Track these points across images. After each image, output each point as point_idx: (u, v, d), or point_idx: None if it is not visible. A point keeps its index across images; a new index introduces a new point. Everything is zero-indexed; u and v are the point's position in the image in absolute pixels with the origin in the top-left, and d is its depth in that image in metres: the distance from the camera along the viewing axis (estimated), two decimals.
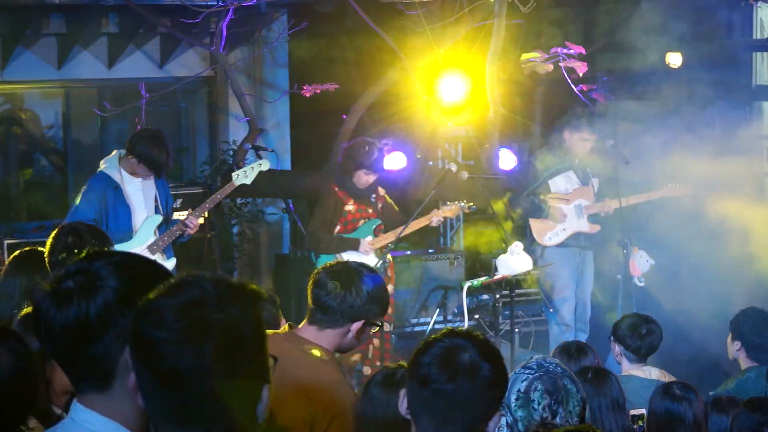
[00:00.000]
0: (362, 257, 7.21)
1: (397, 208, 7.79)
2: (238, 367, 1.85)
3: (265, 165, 7.30)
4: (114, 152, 6.86)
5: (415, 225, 7.48)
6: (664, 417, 4.28)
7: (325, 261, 3.63)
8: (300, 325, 3.59)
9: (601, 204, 7.91)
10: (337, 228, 7.43)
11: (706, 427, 4.30)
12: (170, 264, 6.80)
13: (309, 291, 3.54)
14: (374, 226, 7.50)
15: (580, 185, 8.00)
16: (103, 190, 6.62)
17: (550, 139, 8.18)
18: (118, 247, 5.97)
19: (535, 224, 8.00)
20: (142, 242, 6.76)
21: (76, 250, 4.59)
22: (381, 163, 7.42)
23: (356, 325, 3.49)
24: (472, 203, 7.77)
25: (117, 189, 6.67)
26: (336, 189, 7.48)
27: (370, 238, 7.44)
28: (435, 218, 7.56)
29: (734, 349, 5.55)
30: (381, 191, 7.63)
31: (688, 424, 4.23)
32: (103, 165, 6.77)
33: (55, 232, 4.83)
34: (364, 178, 7.36)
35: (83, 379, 2.07)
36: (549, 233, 7.94)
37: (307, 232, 7.69)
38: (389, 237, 7.43)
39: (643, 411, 4.36)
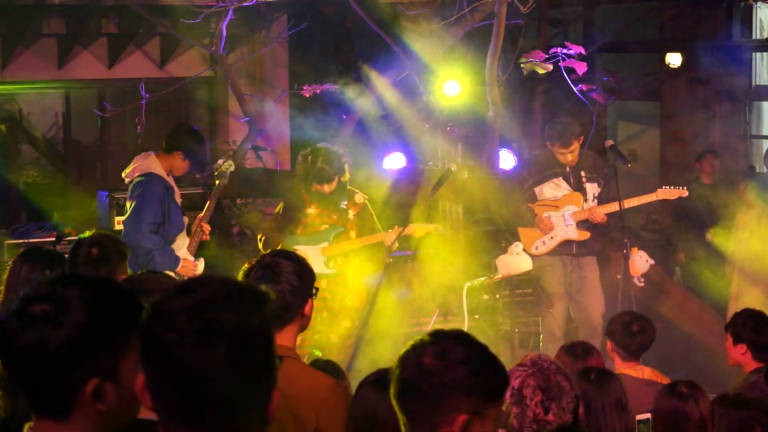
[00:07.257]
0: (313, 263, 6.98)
1: (376, 220, 7.45)
2: (249, 368, 1.83)
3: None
4: (149, 153, 6.88)
5: (369, 240, 7.24)
6: (670, 416, 4.26)
7: None
8: None
9: (589, 210, 7.68)
10: (298, 230, 7.30)
11: (712, 425, 4.28)
12: (201, 265, 7.06)
13: None
14: (334, 234, 7.28)
15: (571, 191, 7.77)
16: (163, 192, 6.73)
17: (540, 146, 8.05)
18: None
19: (523, 233, 7.87)
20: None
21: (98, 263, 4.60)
22: (330, 172, 7.10)
23: (308, 305, 3.43)
24: (441, 227, 7.60)
25: (169, 189, 6.80)
26: (303, 191, 7.32)
27: (325, 244, 7.28)
28: (388, 237, 7.18)
29: (739, 353, 5.46)
30: (359, 198, 7.35)
31: (695, 422, 4.21)
32: (150, 167, 6.77)
33: (77, 241, 4.80)
34: (319, 187, 7.17)
35: (39, 405, 2.03)
36: (537, 242, 7.81)
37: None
38: (343, 247, 7.24)
39: (649, 416, 4.33)
